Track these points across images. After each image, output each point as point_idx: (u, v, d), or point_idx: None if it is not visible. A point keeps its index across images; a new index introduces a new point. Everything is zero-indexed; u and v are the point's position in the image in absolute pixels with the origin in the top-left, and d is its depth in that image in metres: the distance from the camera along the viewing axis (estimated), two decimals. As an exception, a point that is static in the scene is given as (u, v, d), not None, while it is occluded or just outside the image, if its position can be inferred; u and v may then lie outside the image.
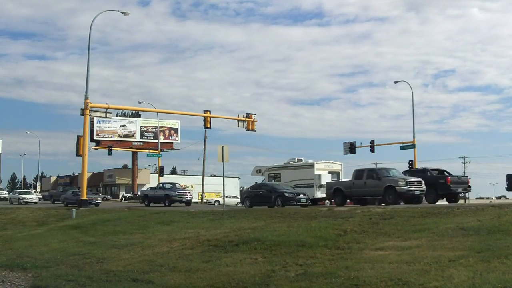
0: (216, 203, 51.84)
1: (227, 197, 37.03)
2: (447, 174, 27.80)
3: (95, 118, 52.96)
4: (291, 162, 36.28)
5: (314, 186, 32.48)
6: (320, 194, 32.67)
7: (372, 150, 49.13)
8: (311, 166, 33.91)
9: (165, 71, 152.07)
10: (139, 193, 49.02)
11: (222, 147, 25.38)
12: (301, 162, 35.78)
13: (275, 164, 37.62)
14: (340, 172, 34.85)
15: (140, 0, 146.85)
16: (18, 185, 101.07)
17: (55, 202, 46.96)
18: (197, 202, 57.19)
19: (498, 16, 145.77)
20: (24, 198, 47.77)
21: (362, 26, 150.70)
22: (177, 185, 38.44)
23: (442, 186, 26.40)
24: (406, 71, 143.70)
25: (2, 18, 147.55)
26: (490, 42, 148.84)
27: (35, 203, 48.46)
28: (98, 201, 39.62)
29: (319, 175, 32.70)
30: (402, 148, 46.22)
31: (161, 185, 38.57)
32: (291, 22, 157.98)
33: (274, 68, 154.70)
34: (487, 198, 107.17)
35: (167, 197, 34.93)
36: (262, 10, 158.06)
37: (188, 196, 35.49)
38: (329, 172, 33.74)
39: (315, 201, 32.47)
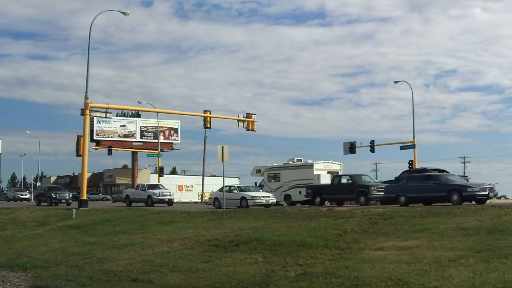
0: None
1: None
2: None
3: (95, 118, 52.79)
4: (290, 162, 36.22)
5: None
6: None
7: (372, 150, 49.05)
8: (311, 166, 33.88)
9: (167, 71, 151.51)
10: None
11: (222, 147, 25.34)
12: (301, 162, 35.73)
13: (274, 164, 37.57)
14: (340, 172, 34.77)
15: (142, 0, 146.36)
16: (18, 185, 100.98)
17: None
18: (197, 202, 57.21)
19: (500, 17, 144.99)
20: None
21: (364, 26, 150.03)
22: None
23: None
24: (407, 71, 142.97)
25: (5, 18, 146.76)
26: (492, 42, 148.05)
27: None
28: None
29: (319, 175, 32.64)
30: (402, 148, 46.14)
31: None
32: (293, 22, 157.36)
33: (276, 68, 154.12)
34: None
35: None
36: (265, 10, 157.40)
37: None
38: (328, 172, 33.66)
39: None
